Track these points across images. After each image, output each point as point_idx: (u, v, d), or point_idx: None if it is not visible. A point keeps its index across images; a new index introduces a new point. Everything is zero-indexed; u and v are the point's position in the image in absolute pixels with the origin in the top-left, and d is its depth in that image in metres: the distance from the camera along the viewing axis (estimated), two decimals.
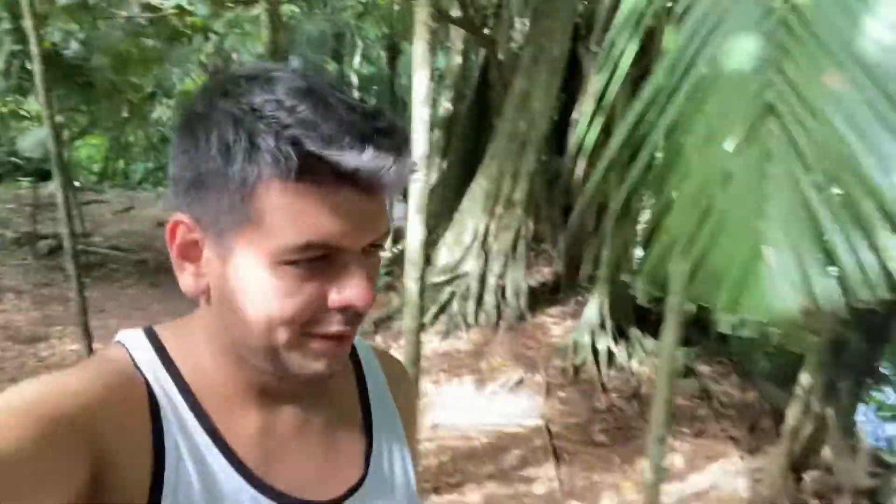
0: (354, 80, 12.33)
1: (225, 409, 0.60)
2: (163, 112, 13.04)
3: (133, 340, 0.60)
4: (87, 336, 4.22)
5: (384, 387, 0.74)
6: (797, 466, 3.50)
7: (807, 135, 1.05)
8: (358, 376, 0.73)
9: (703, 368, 5.29)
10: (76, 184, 11.42)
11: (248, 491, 0.58)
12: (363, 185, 0.51)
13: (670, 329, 1.87)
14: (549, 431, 4.13)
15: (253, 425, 0.61)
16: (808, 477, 3.51)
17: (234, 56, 12.88)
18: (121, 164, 14.57)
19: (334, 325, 0.55)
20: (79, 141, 12.34)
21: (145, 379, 0.57)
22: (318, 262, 0.53)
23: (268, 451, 0.61)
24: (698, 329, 6.12)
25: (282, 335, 0.54)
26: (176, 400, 0.58)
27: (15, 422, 0.46)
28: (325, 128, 0.49)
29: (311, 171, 0.50)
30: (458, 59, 7.36)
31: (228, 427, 0.59)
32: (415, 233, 2.53)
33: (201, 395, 0.59)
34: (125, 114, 7.53)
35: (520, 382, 4.70)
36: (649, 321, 5.72)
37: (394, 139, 0.52)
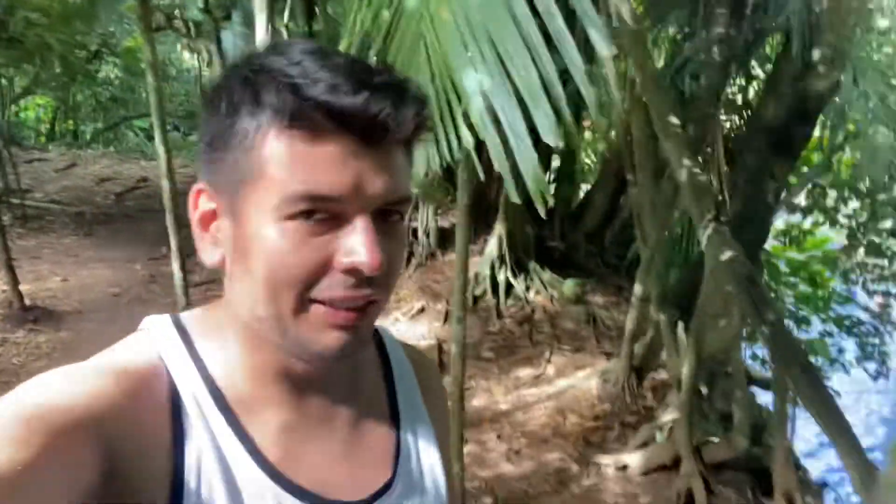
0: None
1: (250, 401, 0.58)
2: (110, 71, 13.01)
3: (159, 329, 0.59)
4: (12, 276, 4.58)
5: (411, 380, 0.73)
6: (640, 367, 4.05)
7: (434, 51, 1.48)
8: (384, 369, 0.72)
9: (598, 299, 5.80)
10: (23, 143, 11.48)
11: (272, 488, 0.57)
12: (360, 132, 0.51)
13: (461, 224, 2.33)
14: (441, 348, 4.63)
15: (277, 419, 0.59)
16: (649, 375, 4.08)
17: (176, 12, 12.91)
18: (70, 124, 14.55)
19: (339, 289, 0.53)
20: (23, 101, 12.33)
21: (168, 372, 0.56)
22: (325, 221, 0.52)
23: (292, 446, 0.59)
24: (605, 265, 6.68)
25: (286, 299, 0.53)
26: (199, 394, 0.56)
27: (23, 430, 0.44)
28: (325, 76, 0.50)
29: (308, 118, 0.50)
30: None
31: (252, 421, 0.58)
32: None
33: (226, 387, 0.58)
34: (59, 71, 7.64)
35: (422, 311, 5.17)
36: (552, 257, 6.23)
37: (395, 89, 0.51)
